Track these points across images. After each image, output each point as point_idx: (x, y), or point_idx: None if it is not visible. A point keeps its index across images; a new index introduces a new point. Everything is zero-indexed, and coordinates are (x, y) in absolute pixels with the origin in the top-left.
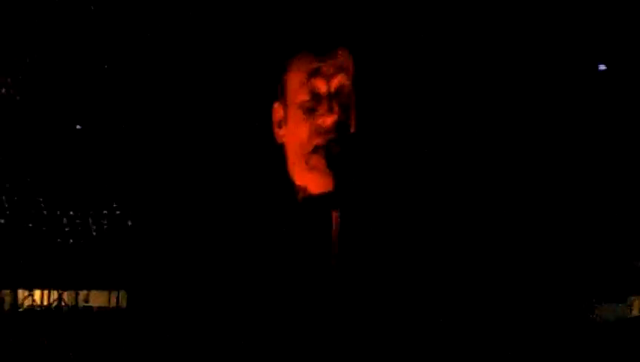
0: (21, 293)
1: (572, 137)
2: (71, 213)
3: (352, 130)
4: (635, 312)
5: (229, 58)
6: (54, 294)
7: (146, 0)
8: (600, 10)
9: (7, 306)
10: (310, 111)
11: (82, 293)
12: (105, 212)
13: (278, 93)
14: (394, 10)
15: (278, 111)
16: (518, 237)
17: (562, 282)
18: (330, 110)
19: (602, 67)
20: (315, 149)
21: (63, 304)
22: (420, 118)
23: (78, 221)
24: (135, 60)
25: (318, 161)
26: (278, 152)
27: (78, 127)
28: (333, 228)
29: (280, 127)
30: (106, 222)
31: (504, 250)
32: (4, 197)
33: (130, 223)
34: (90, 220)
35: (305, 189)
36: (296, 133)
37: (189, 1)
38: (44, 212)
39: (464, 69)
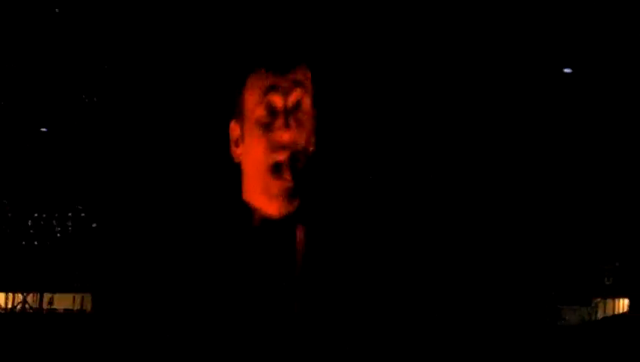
0: None
1: (538, 145)
2: (35, 214)
3: (312, 145)
4: (599, 315)
5: (187, 74)
6: (18, 297)
7: (105, 14)
8: (566, 16)
9: None
10: (266, 126)
11: (47, 296)
12: (69, 214)
13: (236, 111)
14: (353, 26)
15: (234, 129)
16: (483, 243)
17: (527, 285)
18: (287, 125)
19: (567, 70)
20: (274, 168)
21: (27, 306)
22: (381, 131)
23: (42, 223)
24: (97, 69)
25: (276, 184)
26: (235, 172)
27: (43, 129)
28: (298, 246)
29: (237, 145)
30: (70, 224)
31: (469, 255)
32: None
33: (94, 225)
34: (55, 222)
35: (261, 212)
36: (253, 150)
37: (147, 16)
38: (9, 214)
39: (421, 82)
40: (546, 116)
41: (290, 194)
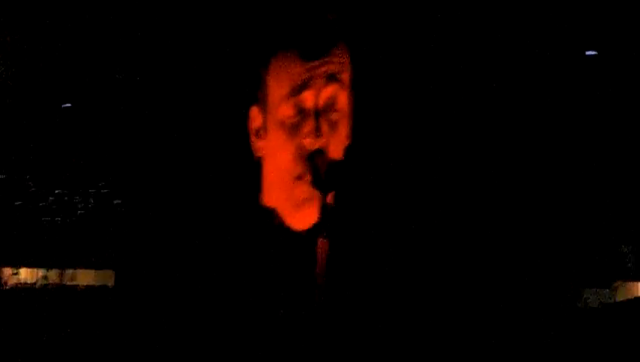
0: (7, 271)
1: (559, 128)
2: (58, 191)
3: (345, 144)
4: (619, 297)
5: (209, 49)
6: (40, 272)
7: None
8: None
9: None
10: (294, 128)
11: (69, 272)
12: (92, 190)
13: (258, 95)
14: (398, 6)
15: (256, 117)
16: (505, 227)
17: (548, 268)
18: (318, 130)
19: (590, 53)
20: (301, 177)
21: (49, 282)
22: (424, 131)
23: (64, 199)
24: (121, 48)
25: (302, 192)
26: (255, 165)
27: (67, 105)
28: (319, 258)
29: (258, 136)
30: (92, 200)
31: (493, 241)
32: None
33: (117, 202)
34: (77, 198)
35: (283, 220)
36: (278, 153)
37: None
38: (31, 190)
39: (471, 72)
40: (568, 101)
41: (315, 202)
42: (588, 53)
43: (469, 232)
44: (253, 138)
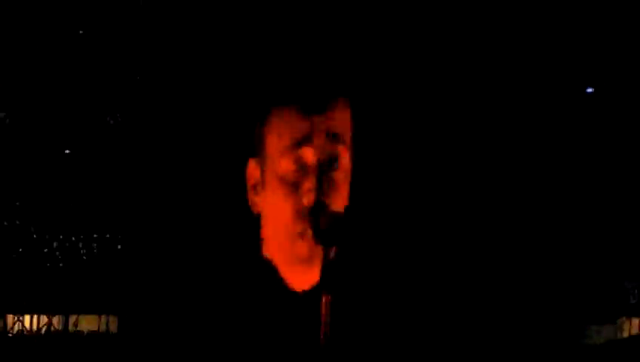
0: (10, 319)
1: (559, 158)
2: (60, 236)
3: (345, 203)
4: (625, 334)
5: (208, 100)
6: (44, 319)
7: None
8: (589, 31)
9: None
10: (293, 185)
11: (72, 318)
12: (95, 236)
13: (256, 148)
14: (401, 58)
15: (254, 171)
16: (507, 260)
17: (552, 303)
18: (318, 188)
19: (590, 90)
20: (301, 235)
21: (52, 329)
22: (425, 186)
23: (67, 245)
24: (120, 96)
25: (303, 248)
26: (254, 222)
27: (67, 151)
28: (323, 316)
29: (256, 192)
30: (95, 246)
31: (493, 274)
32: None
33: (119, 247)
34: (80, 244)
35: (284, 280)
36: (277, 208)
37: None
38: (34, 236)
39: (475, 125)
40: (571, 134)
41: (316, 261)
42: (588, 90)
43: (473, 281)
44: (250, 193)
